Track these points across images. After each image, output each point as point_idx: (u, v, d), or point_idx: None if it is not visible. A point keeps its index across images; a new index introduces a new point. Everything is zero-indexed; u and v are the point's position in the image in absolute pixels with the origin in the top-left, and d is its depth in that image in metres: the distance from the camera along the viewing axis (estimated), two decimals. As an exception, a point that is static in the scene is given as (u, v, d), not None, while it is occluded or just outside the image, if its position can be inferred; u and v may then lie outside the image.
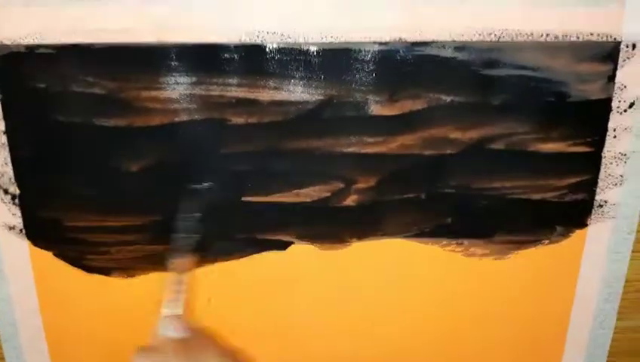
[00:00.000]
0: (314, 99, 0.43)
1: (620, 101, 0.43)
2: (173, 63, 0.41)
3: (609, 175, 0.46)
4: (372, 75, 0.42)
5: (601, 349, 0.52)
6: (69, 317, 0.49)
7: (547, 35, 0.41)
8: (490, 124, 0.44)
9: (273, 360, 0.51)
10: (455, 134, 0.44)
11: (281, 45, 0.41)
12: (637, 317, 0.52)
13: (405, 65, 0.42)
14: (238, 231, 0.47)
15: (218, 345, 0.44)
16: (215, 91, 0.42)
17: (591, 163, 0.46)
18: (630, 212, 0.47)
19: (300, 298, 0.49)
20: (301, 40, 0.41)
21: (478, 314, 0.50)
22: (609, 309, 0.51)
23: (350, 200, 0.46)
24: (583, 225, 0.48)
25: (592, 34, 0.41)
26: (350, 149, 0.44)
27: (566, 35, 0.41)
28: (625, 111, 0.44)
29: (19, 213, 0.46)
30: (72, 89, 0.42)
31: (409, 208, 0.47)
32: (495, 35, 0.41)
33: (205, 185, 0.45)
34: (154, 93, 0.42)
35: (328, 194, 0.46)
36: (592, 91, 0.43)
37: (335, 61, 0.41)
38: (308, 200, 0.46)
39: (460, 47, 0.41)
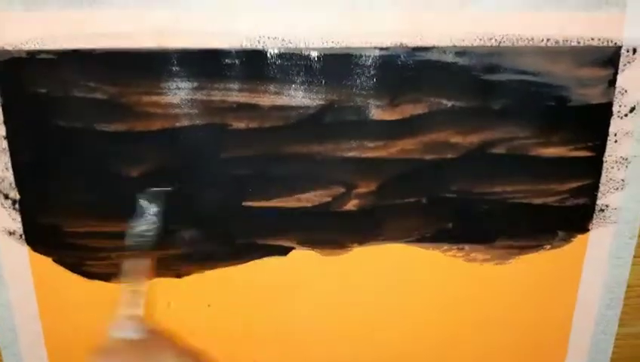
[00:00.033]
0: (315, 103, 0.43)
1: (620, 105, 0.44)
2: (174, 68, 0.41)
3: (610, 179, 0.46)
4: (373, 79, 0.42)
5: (603, 355, 0.52)
6: (69, 323, 0.49)
7: (548, 39, 0.41)
8: (491, 129, 0.44)
9: (274, 366, 0.51)
10: (456, 139, 0.44)
11: (282, 50, 0.41)
12: (639, 323, 0.51)
13: (406, 70, 0.42)
14: (238, 236, 0.47)
15: (177, 346, 0.44)
16: (216, 96, 0.42)
17: (592, 167, 0.46)
18: (632, 216, 0.47)
19: (301, 303, 0.49)
20: (302, 45, 0.41)
21: (480, 320, 0.50)
22: (611, 315, 0.50)
23: (351, 205, 0.46)
24: (584, 229, 0.48)
25: (592, 39, 0.41)
26: (351, 154, 0.44)
27: (567, 40, 0.41)
28: (626, 115, 0.44)
29: (19, 219, 0.46)
30: (72, 94, 0.42)
31: (410, 213, 0.46)
32: (496, 40, 0.41)
33: (165, 188, 0.44)
34: (155, 98, 0.42)
35: (329, 199, 0.46)
36: (593, 96, 0.43)
37: (336, 66, 0.42)
38: (309, 204, 0.46)
39: (461, 52, 0.41)
